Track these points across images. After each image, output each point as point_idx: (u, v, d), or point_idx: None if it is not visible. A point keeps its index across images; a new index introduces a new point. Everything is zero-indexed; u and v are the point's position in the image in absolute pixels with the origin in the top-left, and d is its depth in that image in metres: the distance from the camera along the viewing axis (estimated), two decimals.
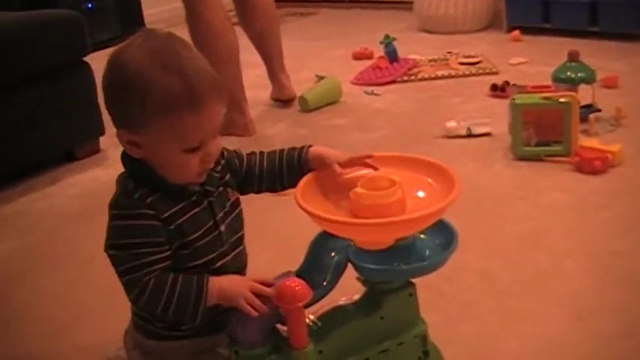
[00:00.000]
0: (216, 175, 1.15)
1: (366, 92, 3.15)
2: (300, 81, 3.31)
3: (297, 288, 1.05)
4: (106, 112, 1.08)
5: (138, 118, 1.02)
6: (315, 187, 1.19)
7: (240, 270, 1.18)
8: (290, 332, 1.08)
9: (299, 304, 1.05)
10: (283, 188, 1.23)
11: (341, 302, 1.21)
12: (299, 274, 1.16)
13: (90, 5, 4.45)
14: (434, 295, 1.55)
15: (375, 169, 1.19)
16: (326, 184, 1.20)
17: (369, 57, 3.65)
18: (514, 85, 2.82)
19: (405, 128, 2.66)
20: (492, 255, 1.71)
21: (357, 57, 3.72)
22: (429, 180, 1.19)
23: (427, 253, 1.17)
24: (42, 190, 2.45)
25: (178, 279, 1.06)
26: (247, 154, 1.24)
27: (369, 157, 1.20)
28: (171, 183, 1.08)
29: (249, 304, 1.05)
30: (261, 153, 1.25)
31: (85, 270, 1.84)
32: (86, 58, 2.68)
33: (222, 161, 1.18)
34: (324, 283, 1.16)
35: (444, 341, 1.36)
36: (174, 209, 1.07)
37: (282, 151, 1.24)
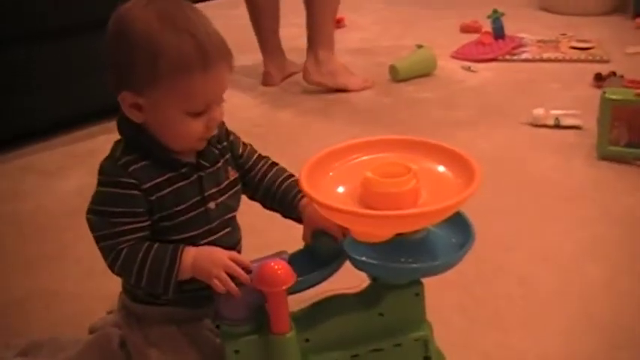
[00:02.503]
0: (216, 151, 1.11)
1: (463, 67, 3.01)
2: (399, 48, 3.24)
3: (278, 271, 0.99)
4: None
5: (146, 80, 0.99)
6: (327, 167, 1.11)
7: (230, 246, 1.12)
8: (270, 316, 1.02)
9: (280, 287, 0.98)
10: (274, 211, 1.21)
11: (342, 291, 1.14)
12: (295, 256, 1.09)
13: None
14: (464, 296, 1.46)
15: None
16: (339, 166, 1.11)
17: (477, 31, 3.48)
18: (621, 76, 2.59)
19: (492, 110, 2.51)
20: (541, 260, 1.58)
21: (465, 30, 3.57)
22: (448, 171, 1.08)
23: (439, 251, 1.07)
24: None
25: (152, 249, 1.03)
26: (257, 157, 1.21)
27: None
28: (164, 152, 1.05)
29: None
30: (271, 165, 1.21)
31: None
32: None
33: (225, 143, 1.15)
34: (321, 270, 1.09)
35: (460, 348, 1.28)
36: (158, 180, 1.05)
37: (285, 179, 1.20)
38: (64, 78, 2.44)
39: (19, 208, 2.01)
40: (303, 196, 1.16)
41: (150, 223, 1.05)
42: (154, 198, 1.04)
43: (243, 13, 2.90)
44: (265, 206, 1.21)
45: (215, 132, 1.08)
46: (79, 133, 2.50)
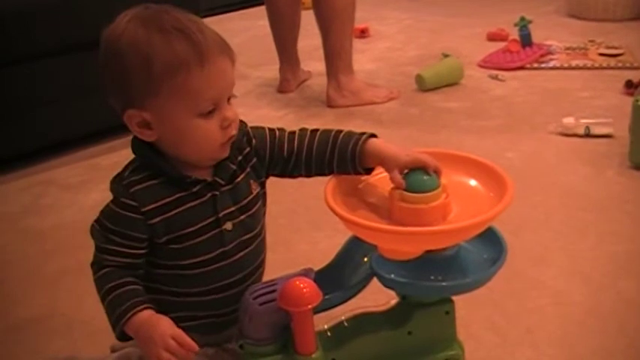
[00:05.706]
0: (233, 166, 1.05)
1: (490, 76, 2.95)
2: (425, 58, 3.21)
3: (304, 290, 0.95)
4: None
5: (145, 90, 0.95)
6: (353, 182, 1.07)
7: (250, 270, 1.09)
8: (295, 336, 0.98)
9: (305, 307, 0.94)
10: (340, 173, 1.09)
11: (370, 309, 1.10)
12: (321, 273, 1.05)
13: None
14: (495, 312, 1.40)
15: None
16: (366, 180, 1.08)
17: (504, 39, 3.42)
18: None
19: (520, 119, 2.46)
20: (573, 275, 1.52)
21: (492, 38, 3.51)
22: (479, 184, 1.04)
23: (470, 267, 1.03)
24: None
25: (119, 289, 0.99)
26: (291, 134, 1.12)
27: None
28: (176, 170, 1.01)
29: None
30: (313, 133, 1.12)
31: None
32: None
33: (248, 148, 1.08)
34: (347, 288, 1.05)
35: None
36: (166, 200, 1.01)
37: (337, 134, 1.09)
38: (86, 91, 2.42)
39: (41, 222, 1.99)
40: (362, 140, 1.05)
41: (139, 252, 1.02)
42: (156, 220, 1.00)
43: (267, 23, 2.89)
44: (324, 174, 1.10)
45: (235, 135, 1.02)
46: (102, 146, 2.49)
